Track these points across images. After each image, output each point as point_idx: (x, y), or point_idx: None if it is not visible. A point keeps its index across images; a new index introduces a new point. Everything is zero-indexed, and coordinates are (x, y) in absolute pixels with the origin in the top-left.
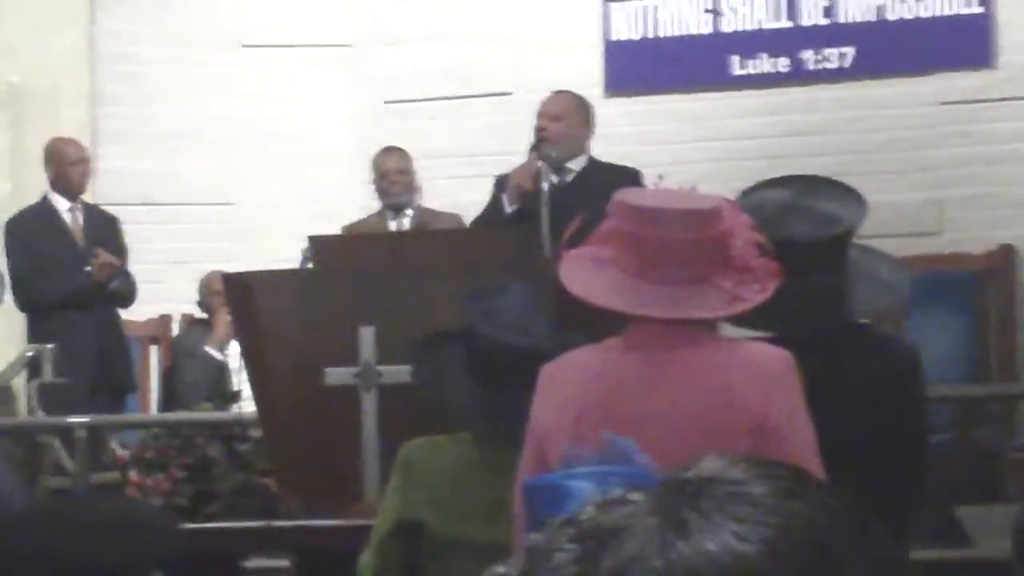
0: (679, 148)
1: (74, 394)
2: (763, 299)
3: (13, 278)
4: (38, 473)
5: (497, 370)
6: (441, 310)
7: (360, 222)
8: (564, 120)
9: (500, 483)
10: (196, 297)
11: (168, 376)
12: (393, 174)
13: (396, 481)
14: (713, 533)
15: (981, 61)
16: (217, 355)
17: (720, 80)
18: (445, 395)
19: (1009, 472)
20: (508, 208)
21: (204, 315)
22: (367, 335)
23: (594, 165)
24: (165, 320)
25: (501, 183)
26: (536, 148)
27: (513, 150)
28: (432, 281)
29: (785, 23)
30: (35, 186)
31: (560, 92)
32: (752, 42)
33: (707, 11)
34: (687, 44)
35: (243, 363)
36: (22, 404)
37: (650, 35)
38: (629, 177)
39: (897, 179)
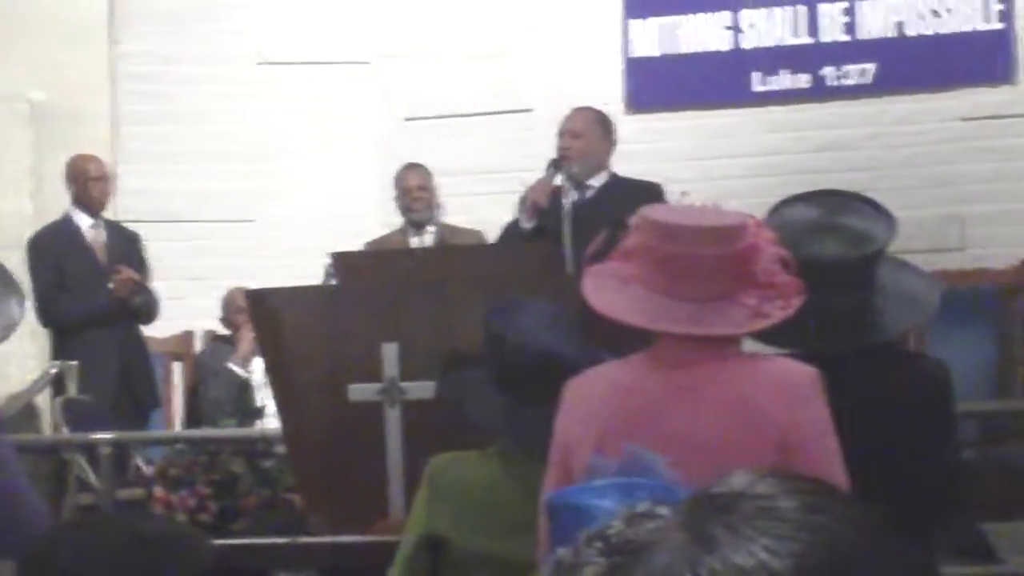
0: (700, 164)
1: (98, 410)
2: (786, 316)
3: (36, 295)
4: (63, 490)
5: (523, 383)
6: (464, 326)
7: (382, 238)
8: (585, 137)
9: (526, 498)
10: (219, 313)
11: (192, 393)
12: (415, 190)
13: (422, 496)
14: (742, 548)
15: (1002, 77)
16: (241, 371)
17: (741, 97)
18: (470, 409)
19: None
20: (525, 225)
21: (227, 331)
22: (391, 351)
23: (616, 181)
24: (188, 337)
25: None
26: (555, 165)
27: (535, 166)
28: (455, 297)
29: (806, 39)
30: (57, 203)
31: (581, 108)
32: (773, 58)
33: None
34: (708, 61)
35: (267, 379)
36: (47, 421)
37: (671, 52)
38: (652, 192)
39: (918, 195)
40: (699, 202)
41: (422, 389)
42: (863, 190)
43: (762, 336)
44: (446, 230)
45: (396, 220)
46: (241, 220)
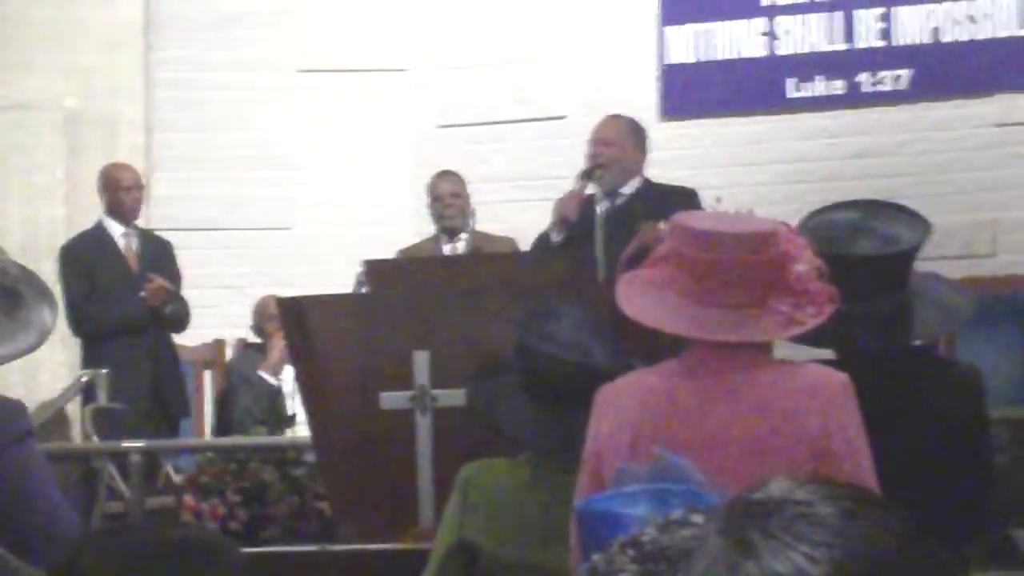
0: (734, 171)
1: (129, 418)
2: (819, 323)
3: (67, 303)
4: (93, 498)
5: (555, 390)
6: (496, 334)
7: (415, 246)
8: (617, 145)
9: (557, 506)
10: (250, 322)
11: (222, 401)
12: (447, 198)
13: (453, 504)
14: (781, 554)
15: None
16: (271, 380)
17: (776, 103)
18: (502, 417)
19: None
20: (555, 239)
21: (258, 340)
22: (422, 359)
23: (648, 187)
24: (219, 345)
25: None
26: (586, 175)
27: (568, 174)
28: (487, 305)
29: (841, 45)
30: (90, 211)
31: (613, 116)
32: (808, 65)
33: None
34: (743, 67)
35: (297, 387)
36: (77, 429)
37: (705, 58)
38: (686, 196)
39: (951, 201)
40: (732, 209)
41: (453, 397)
42: (896, 196)
43: (799, 337)
44: (479, 237)
45: (429, 228)
46: (274, 228)
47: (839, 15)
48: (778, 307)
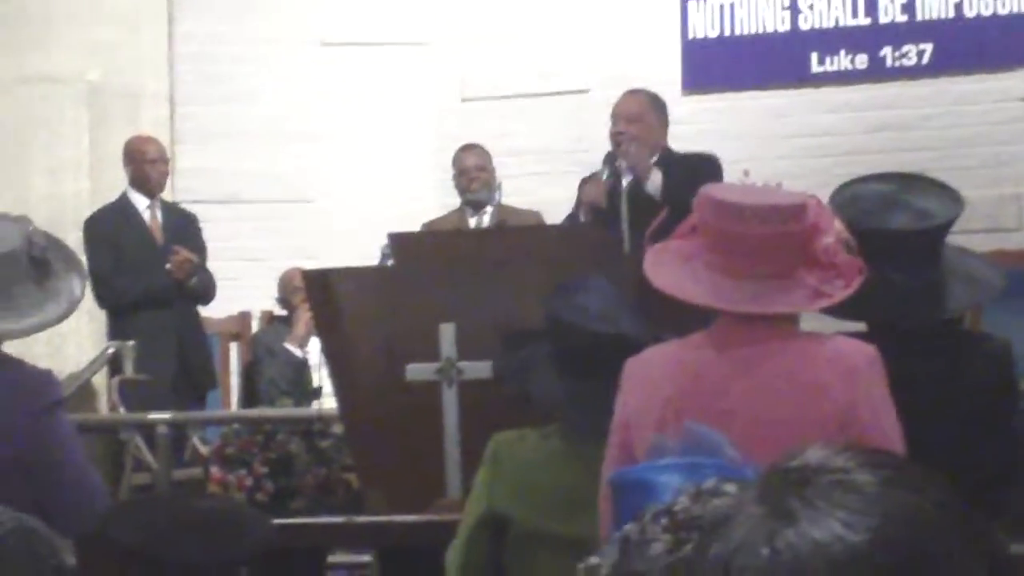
0: (757, 145)
1: (155, 390)
2: (847, 295)
3: (92, 276)
4: (120, 470)
5: (584, 360)
6: (522, 306)
7: (440, 219)
8: (641, 121)
9: (586, 476)
10: (275, 294)
11: (248, 373)
12: (473, 171)
13: (483, 474)
14: (820, 522)
15: None
16: (297, 352)
17: (799, 77)
18: (531, 388)
19: None
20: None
21: (283, 312)
22: (448, 331)
23: (669, 155)
24: (245, 317)
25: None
26: (610, 159)
27: (591, 147)
28: (512, 278)
29: (864, 20)
30: (114, 184)
31: (634, 91)
32: (831, 39)
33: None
34: (766, 41)
35: (324, 359)
36: (103, 401)
37: (728, 33)
38: (706, 161)
39: (976, 175)
40: (760, 182)
41: (479, 369)
42: (920, 170)
43: (830, 309)
44: (504, 211)
45: (454, 201)
46: (299, 201)
47: None
48: (806, 279)
